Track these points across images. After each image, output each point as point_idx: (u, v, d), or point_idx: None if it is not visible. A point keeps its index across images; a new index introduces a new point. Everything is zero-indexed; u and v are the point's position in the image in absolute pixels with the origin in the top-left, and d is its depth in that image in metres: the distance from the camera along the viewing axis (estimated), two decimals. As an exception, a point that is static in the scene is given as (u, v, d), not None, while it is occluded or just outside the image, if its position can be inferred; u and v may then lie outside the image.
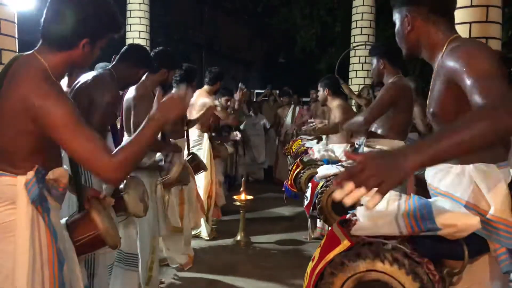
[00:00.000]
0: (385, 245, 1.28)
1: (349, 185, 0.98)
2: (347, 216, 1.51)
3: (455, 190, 1.33)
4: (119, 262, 2.58)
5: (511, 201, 1.26)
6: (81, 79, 2.30)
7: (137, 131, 1.36)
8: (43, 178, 1.35)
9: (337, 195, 0.99)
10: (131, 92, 2.80)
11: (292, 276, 3.26)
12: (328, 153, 3.89)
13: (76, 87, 2.28)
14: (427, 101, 1.44)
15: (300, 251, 3.97)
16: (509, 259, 1.22)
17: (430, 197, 1.43)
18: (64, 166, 1.53)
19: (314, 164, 3.83)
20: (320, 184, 3.08)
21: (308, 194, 3.24)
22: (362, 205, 1.47)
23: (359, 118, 2.92)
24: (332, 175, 3.04)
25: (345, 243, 1.33)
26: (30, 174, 1.32)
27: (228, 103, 5.26)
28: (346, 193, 0.98)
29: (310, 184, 3.24)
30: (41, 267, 1.31)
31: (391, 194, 1.49)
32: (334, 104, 4.05)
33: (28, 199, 1.31)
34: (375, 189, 0.98)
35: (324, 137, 4.47)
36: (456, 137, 0.99)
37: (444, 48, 1.35)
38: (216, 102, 4.32)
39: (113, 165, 1.28)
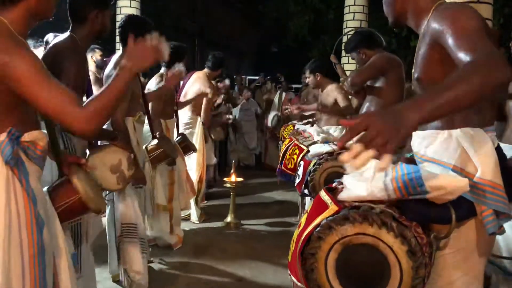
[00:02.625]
0: (373, 209, 1.26)
1: (357, 146, 0.95)
2: (333, 184, 1.50)
3: (442, 155, 1.32)
4: (123, 237, 2.53)
5: (498, 164, 1.26)
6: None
7: (109, 82, 1.35)
8: (17, 139, 1.31)
9: (345, 157, 0.97)
10: (110, 69, 2.65)
11: (282, 256, 3.24)
12: (328, 135, 3.83)
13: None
14: (413, 68, 1.44)
15: (290, 233, 3.94)
16: (495, 221, 1.22)
17: None
18: (44, 131, 1.49)
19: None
20: (313, 162, 3.06)
21: (300, 172, 3.23)
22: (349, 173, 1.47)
23: (348, 79, 2.94)
24: (325, 153, 3.03)
25: (333, 208, 1.31)
26: (3, 135, 1.28)
27: (218, 83, 5.22)
28: (354, 155, 0.96)
29: (302, 162, 3.22)
30: (18, 230, 1.27)
31: (377, 163, 1.47)
32: (330, 87, 3.98)
33: (2, 160, 1.26)
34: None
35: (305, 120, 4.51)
36: (451, 92, 0.99)
37: (430, 13, 1.35)
38: (208, 90, 4.24)
39: (85, 116, 1.26)
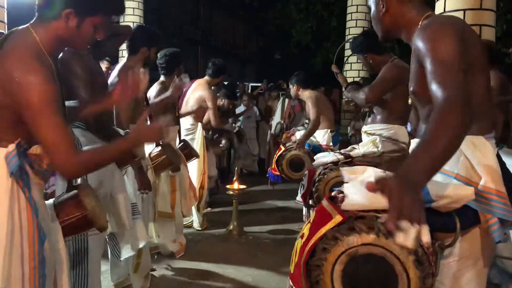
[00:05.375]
0: (379, 219, 1.25)
1: (407, 225, 1.02)
2: (333, 193, 1.49)
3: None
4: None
5: (500, 172, 1.26)
6: None
7: (111, 145, 1.46)
8: (24, 152, 1.32)
9: (402, 240, 1.03)
10: (114, 76, 2.66)
11: (284, 263, 3.23)
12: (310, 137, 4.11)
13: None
14: (409, 79, 1.44)
15: (293, 240, 3.86)
16: (501, 229, 1.22)
17: None
18: None
19: (296, 147, 4.04)
20: (318, 172, 3.05)
21: (305, 182, 3.22)
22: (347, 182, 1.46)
23: (361, 96, 2.86)
24: (330, 163, 3.02)
25: (337, 218, 1.30)
26: (11, 146, 1.29)
27: (230, 106, 5.25)
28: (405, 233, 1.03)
29: (307, 172, 3.22)
30: (20, 242, 1.28)
31: (376, 171, 1.47)
32: (305, 96, 4.29)
33: (7, 171, 1.27)
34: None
35: (306, 125, 4.63)
36: (429, 154, 1.06)
37: (419, 26, 1.35)
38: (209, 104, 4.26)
39: (74, 161, 1.29)
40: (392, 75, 2.77)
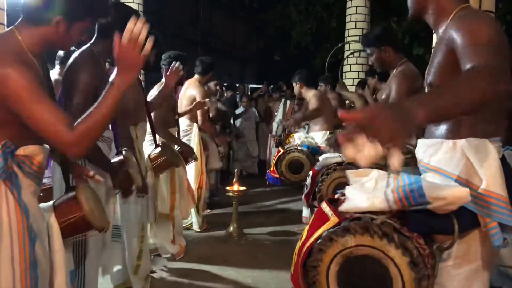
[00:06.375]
0: (374, 220, 1.26)
1: (362, 139, 0.89)
2: (336, 196, 1.50)
3: (446, 165, 1.31)
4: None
5: (503, 176, 1.25)
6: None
7: (98, 100, 1.32)
8: (12, 153, 1.32)
9: (349, 153, 0.91)
10: (115, 71, 2.66)
11: (284, 265, 3.22)
12: (308, 139, 4.14)
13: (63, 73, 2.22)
14: (426, 71, 1.42)
15: (293, 242, 3.91)
16: (499, 233, 1.21)
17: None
18: (45, 145, 1.49)
19: (294, 148, 4.04)
20: (321, 173, 3.06)
21: (308, 182, 3.23)
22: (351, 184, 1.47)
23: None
24: (333, 164, 3.02)
25: (333, 220, 1.31)
26: None
27: (217, 87, 5.31)
28: (359, 149, 0.90)
29: (310, 173, 3.23)
30: (9, 242, 1.28)
31: (380, 173, 1.47)
32: (309, 94, 4.34)
33: None
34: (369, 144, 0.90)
35: (307, 127, 4.65)
36: (457, 92, 0.96)
37: (451, 16, 1.32)
38: (204, 99, 4.25)
39: (73, 140, 1.27)
40: (406, 86, 2.55)
